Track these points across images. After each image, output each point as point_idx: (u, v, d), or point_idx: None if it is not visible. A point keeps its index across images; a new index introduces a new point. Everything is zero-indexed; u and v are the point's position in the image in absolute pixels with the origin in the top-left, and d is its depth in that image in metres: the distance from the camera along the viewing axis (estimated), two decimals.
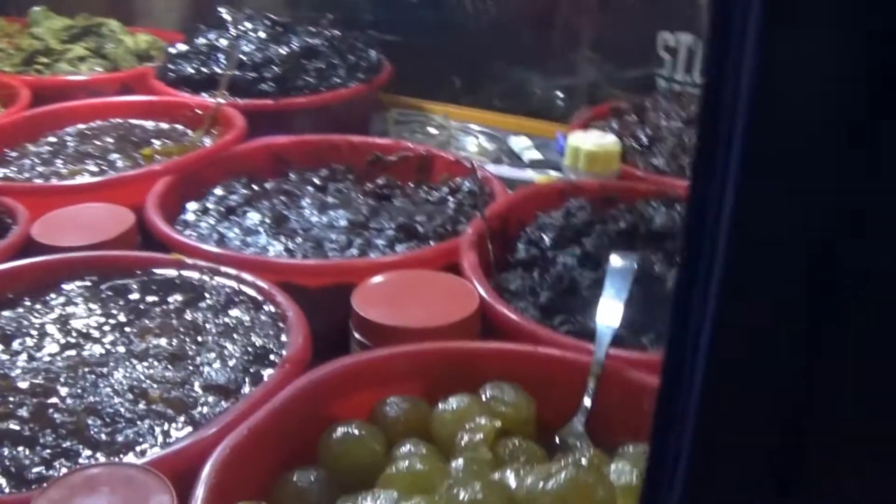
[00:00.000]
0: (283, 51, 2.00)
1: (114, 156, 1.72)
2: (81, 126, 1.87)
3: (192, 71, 1.98)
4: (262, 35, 2.07)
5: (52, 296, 1.29)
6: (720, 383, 0.41)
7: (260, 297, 1.27)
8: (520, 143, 2.07)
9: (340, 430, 1.01)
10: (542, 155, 2.01)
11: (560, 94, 2.39)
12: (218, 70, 1.94)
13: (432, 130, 2.10)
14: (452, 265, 1.36)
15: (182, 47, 2.07)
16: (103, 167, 1.68)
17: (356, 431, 1.02)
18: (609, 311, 1.16)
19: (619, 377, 1.10)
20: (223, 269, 1.31)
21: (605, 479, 0.90)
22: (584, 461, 0.95)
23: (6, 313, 1.26)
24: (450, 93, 2.35)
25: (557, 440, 1.08)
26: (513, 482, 0.92)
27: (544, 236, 1.42)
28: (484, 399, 1.07)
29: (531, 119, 2.22)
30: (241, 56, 1.94)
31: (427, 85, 2.29)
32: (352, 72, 2.02)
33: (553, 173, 1.81)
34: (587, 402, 1.09)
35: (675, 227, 1.39)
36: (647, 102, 1.93)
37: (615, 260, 1.23)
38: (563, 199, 1.54)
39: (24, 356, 1.17)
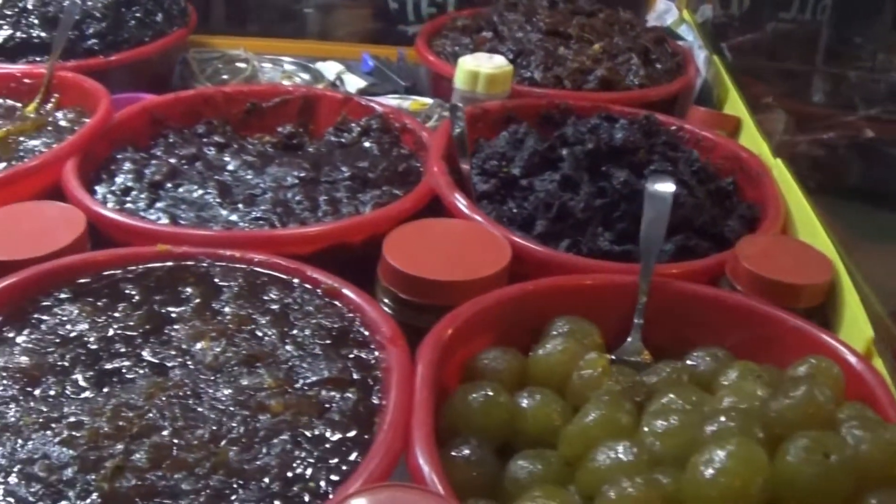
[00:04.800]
0: (101, 2, 1.76)
1: None
2: None
3: (3, 37, 1.70)
4: None
5: (41, 317, 1.07)
6: None
7: (285, 276, 1.14)
8: (332, 70, 1.96)
9: (477, 395, 0.97)
10: (363, 80, 1.92)
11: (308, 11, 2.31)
12: (34, 33, 1.69)
13: (240, 66, 1.93)
14: (426, 208, 1.31)
15: None
16: None
17: (490, 392, 0.97)
18: (652, 231, 1.17)
19: (666, 290, 1.13)
20: (225, 252, 1.16)
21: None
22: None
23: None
24: (224, 26, 2.19)
25: (614, 359, 1.08)
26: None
27: (508, 165, 1.37)
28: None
29: (319, 42, 2.13)
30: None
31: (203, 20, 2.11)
32: (167, 16, 1.82)
33: (420, 98, 1.74)
34: (639, 319, 1.11)
35: (637, 142, 1.39)
36: (493, 16, 1.89)
37: (653, 183, 1.22)
38: (475, 124, 1.51)
39: (66, 397, 0.96)
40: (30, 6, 1.79)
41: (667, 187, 1.21)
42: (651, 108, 1.62)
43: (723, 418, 0.87)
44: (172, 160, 1.43)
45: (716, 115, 1.66)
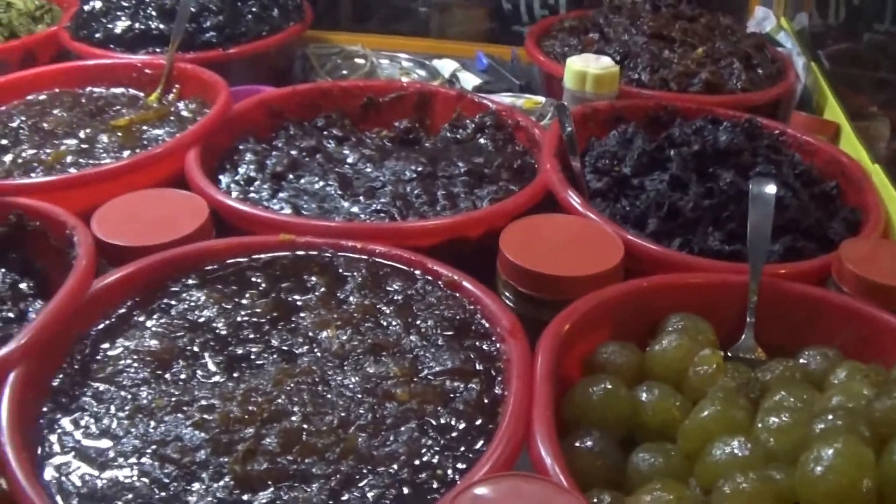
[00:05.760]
0: None
1: (85, 131, 1.44)
2: (16, 102, 1.54)
3: (123, 28, 1.71)
4: None
5: (170, 302, 1.06)
6: None
7: (407, 267, 1.12)
8: (447, 67, 1.94)
9: (598, 388, 0.96)
10: (478, 77, 1.89)
11: (424, 10, 2.30)
12: (153, 24, 1.69)
13: (359, 62, 1.92)
14: (540, 204, 1.29)
15: (97, 4, 1.78)
16: (84, 146, 1.40)
17: (610, 386, 0.96)
18: (759, 231, 1.15)
19: (775, 290, 1.11)
20: (347, 243, 1.14)
21: None
22: None
23: (128, 336, 1.01)
24: (341, 22, 2.19)
25: (730, 355, 1.07)
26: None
27: (619, 164, 1.35)
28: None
29: (434, 40, 2.11)
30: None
31: (321, 16, 2.10)
32: (282, 11, 1.82)
33: (533, 97, 1.72)
34: (751, 317, 1.09)
35: (741, 145, 1.36)
36: (599, 19, 1.87)
37: (756, 185, 1.20)
38: (586, 123, 1.49)
39: (197, 381, 0.96)
40: None
41: (769, 188, 1.19)
42: (754, 112, 1.59)
43: (830, 416, 0.86)
44: (293, 152, 1.43)
45: (816, 121, 1.63)
